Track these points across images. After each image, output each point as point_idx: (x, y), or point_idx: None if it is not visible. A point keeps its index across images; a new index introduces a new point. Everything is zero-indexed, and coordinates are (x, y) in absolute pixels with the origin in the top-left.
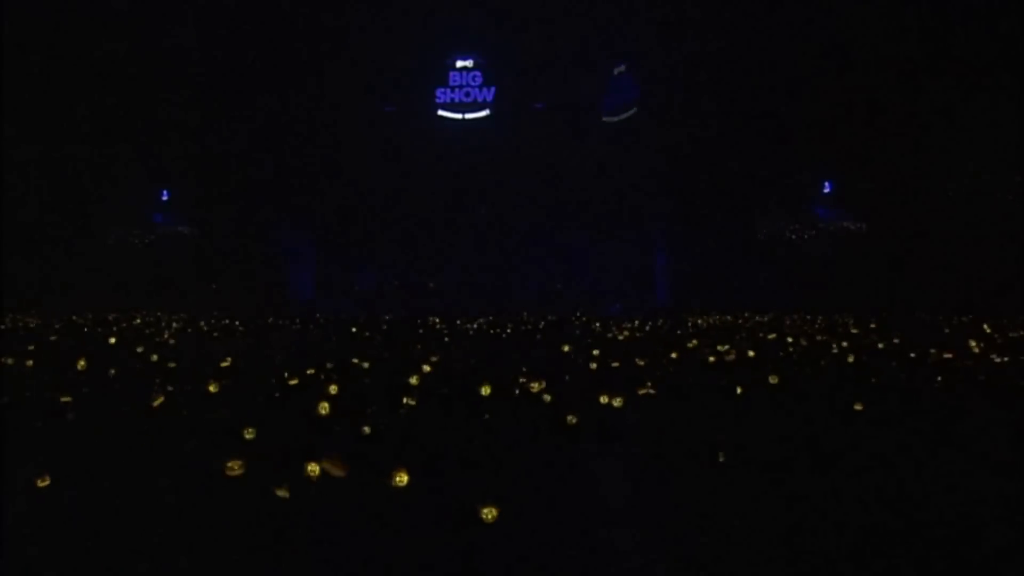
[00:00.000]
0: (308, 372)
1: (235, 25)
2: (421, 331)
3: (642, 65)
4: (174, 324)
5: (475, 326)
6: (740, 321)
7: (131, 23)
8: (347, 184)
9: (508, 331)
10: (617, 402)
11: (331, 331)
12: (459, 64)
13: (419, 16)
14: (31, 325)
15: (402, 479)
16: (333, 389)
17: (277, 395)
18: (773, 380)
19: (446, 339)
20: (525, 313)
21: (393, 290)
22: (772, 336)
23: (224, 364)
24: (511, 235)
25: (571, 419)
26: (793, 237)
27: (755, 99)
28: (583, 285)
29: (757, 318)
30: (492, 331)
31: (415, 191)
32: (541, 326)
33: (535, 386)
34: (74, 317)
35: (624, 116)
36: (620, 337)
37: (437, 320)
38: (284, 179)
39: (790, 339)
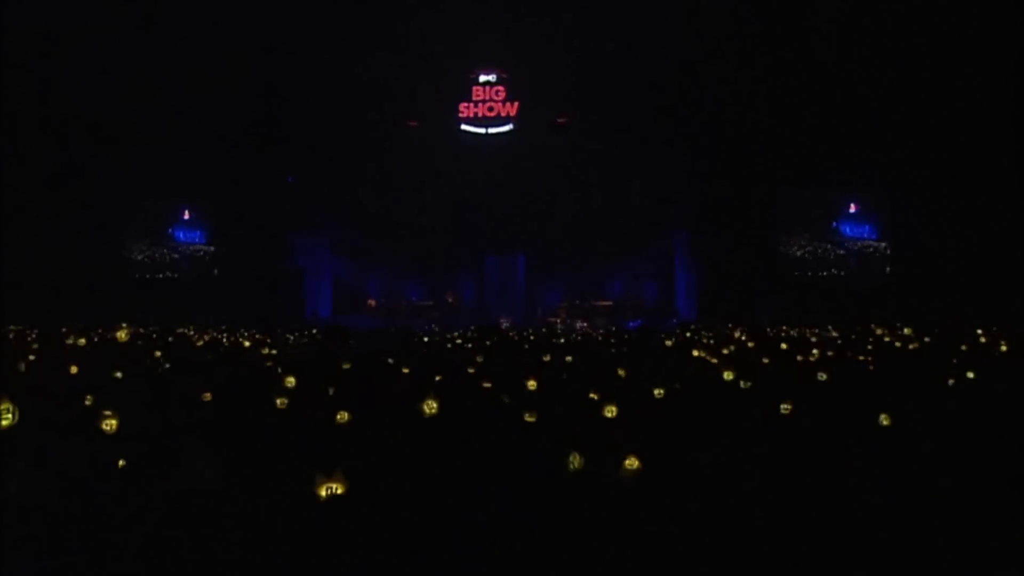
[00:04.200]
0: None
1: (254, 37)
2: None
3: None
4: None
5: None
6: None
7: (150, 35)
8: (369, 198)
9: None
10: None
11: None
12: (482, 79)
13: (442, 30)
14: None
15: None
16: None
17: None
18: None
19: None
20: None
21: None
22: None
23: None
24: (531, 250)
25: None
26: (819, 253)
27: (775, 110)
28: (600, 299)
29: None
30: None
31: (436, 205)
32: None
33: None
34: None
35: None
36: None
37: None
38: (305, 194)
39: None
